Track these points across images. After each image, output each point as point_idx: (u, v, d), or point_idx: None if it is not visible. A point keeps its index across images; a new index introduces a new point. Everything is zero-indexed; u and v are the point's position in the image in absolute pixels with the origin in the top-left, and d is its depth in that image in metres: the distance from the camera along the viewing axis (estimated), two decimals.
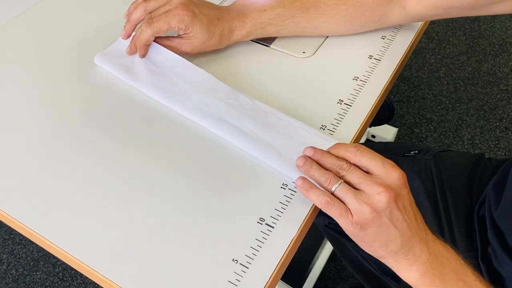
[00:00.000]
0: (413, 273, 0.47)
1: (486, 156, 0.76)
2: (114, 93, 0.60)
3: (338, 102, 0.60)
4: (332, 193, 0.47)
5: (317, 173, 0.48)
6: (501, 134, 1.56)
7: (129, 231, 0.48)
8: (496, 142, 1.53)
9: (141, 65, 0.61)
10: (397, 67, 0.65)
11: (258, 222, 0.49)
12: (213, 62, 0.65)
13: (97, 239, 0.47)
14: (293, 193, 0.51)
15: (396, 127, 1.55)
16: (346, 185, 0.47)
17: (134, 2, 0.61)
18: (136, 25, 0.61)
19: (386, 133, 1.51)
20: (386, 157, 0.79)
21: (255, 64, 0.66)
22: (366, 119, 0.59)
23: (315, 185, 0.48)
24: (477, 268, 0.66)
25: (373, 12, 0.63)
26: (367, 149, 0.48)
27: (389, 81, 0.63)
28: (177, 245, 0.47)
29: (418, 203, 0.76)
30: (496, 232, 0.62)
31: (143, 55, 0.61)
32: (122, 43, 0.63)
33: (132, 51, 0.61)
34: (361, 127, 0.58)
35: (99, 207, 0.50)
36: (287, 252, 0.47)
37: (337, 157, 0.49)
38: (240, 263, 0.46)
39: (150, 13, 0.59)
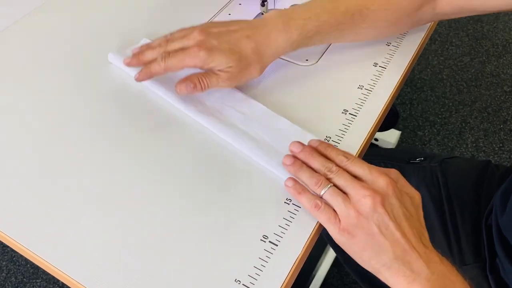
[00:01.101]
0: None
1: (493, 162, 0.75)
2: (126, 97, 0.59)
3: (343, 112, 0.59)
4: (321, 197, 0.47)
5: (306, 175, 0.48)
6: (505, 137, 1.54)
7: (128, 247, 0.46)
8: (501, 145, 1.52)
9: None
10: (403, 75, 0.63)
11: (261, 239, 0.47)
12: None
13: (91, 257, 0.46)
14: (297, 208, 0.50)
15: (399, 130, 1.53)
16: (336, 189, 0.47)
17: (157, 40, 0.57)
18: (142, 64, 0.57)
19: (389, 136, 1.49)
20: (391, 164, 0.80)
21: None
22: (372, 129, 0.57)
23: (306, 188, 0.48)
24: (485, 280, 0.65)
25: (409, 17, 0.61)
26: (356, 157, 0.49)
27: (395, 89, 0.62)
28: (177, 265, 0.45)
29: (425, 211, 0.74)
30: (502, 241, 0.60)
31: (142, 80, 0.57)
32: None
33: (140, 78, 0.56)
34: (367, 138, 0.56)
35: (96, 222, 0.48)
36: (292, 271, 0.45)
37: (326, 158, 0.49)
38: (243, 284, 0.44)
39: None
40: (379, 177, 0.46)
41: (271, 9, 0.71)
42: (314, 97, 0.60)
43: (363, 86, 0.62)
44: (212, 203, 0.50)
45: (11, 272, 1.28)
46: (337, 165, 0.48)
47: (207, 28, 0.55)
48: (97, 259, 0.46)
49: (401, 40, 0.67)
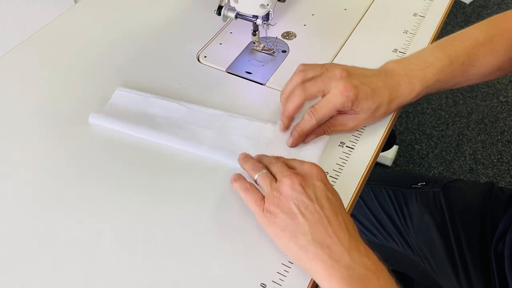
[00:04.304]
0: (330, 280, 0.41)
1: (492, 174, 0.73)
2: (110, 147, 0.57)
3: (339, 145, 0.57)
4: (256, 182, 0.49)
5: (249, 164, 0.51)
6: (503, 148, 1.52)
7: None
8: (499, 156, 1.50)
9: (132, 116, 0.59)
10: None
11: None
12: (207, 100, 0.61)
13: None
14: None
15: (396, 144, 1.51)
16: (268, 173, 0.48)
17: (289, 83, 0.56)
18: (293, 116, 0.56)
19: (387, 151, 1.47)
20: (392, 189, 0.77)
21: (250, 102, 0.62)
22: (366, 170, 0.55)
23: (242, 177, 0.50)
24: None
25: None
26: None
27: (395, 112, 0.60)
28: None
29: (429, 239, 0.72)
30: None
31: (296, 144, 0.56)
32: (116, 98, 0.61)
33: (294, 143, 0.56)
34: (363, 178, 0.54)
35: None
36: None
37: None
38: None
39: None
40: (306, 163, 0.48)
41: (262, 38, 0.69)
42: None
43: None
44: (210, 252, 0.47)
45: None
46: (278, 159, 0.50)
47: (346, 68, 0.55)
48: None
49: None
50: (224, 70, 0.67)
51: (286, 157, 0.52)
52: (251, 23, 0.65)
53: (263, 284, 0.45)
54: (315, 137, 0.56)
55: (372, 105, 0.54)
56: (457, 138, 1.56)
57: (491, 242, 0.67)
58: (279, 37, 0.71)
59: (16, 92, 0.64)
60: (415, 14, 0.74)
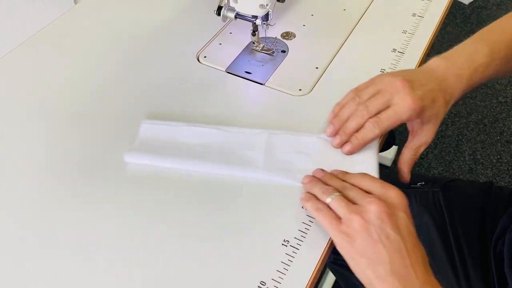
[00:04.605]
0: None
1: (491, 174, 0.73)
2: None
3: None
4: (328, 205, 0.48)
5: (317, 187, 0.50)
6: (502, 148, 1.52)
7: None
8: (498, 156, 1.50)
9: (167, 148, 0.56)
10: None
11: (258, 287, 0.45)
12: (206, 100, 0.62)
13: None
14: (295, 250, 0.48)
15: (395, 144, 1.51)
16: (342, 197, 0.47)
17: (347, 96, 0.56)
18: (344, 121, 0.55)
19: (386, 151, 1.47)
20: None
21: (249, 103, 0.62)
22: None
23: (314, 197, 0.49)
24: None
25: None
26: (369, 175, 0.50)
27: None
28: None
29: (428, 239, 0.72)
30: None
31: (354, 152, 0.54)
32: (145, 132, 0.57)
33: (352, 151, 0.54)
34: None
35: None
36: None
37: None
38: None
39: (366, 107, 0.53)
40: (390, 188, 0.46)
41: (262, 38, 0.69)
42: (307, 128, 0.58)
43: None
44: (212, 251, 0.48)
45: None
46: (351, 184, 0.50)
47: (404, 78, 0.53)
48: None
49: (395, 66, 0.66)
50: (224, 70, 0.67)
51: (338, 169, 0.52)
52: (250, 23, 0.65)
53: (263, 282, 0.45)
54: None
55: (432, 111, 0.53)
56: (456, 138, 1.56)
57: (490, 241, 0.67)
58: (279, 37, 0.71)
59: (16, 93, 0.64)
60: (414, 14, 0.74)
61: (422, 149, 0.57)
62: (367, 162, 0.54)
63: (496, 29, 0.59)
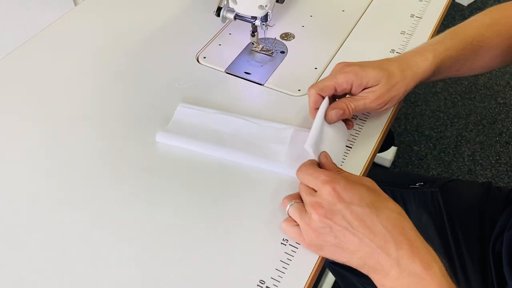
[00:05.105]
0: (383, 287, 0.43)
1: (490, 175, 0.73)
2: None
3: None
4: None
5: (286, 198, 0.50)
6: (501, 149, 1.53)
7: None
8: (497, 157, 1.51)
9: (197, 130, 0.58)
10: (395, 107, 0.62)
11: (258, 285, 0.45)
12: (205, 101, 0.62)
13: None
14: (294, 249, 0.48)
15: (394, 145, 1.52)
16: (296, 205, 0.48)
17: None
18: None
19: (386, 152, 1.47)
20: (390, 190, 0.78)
21: (249, 104, 0.63)
22: (370, 156, 0.56)
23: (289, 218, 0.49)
24: None
25: None
26: (302, 169, 0.49)
27: (392, 114, 0.60)
28: None
29: (427, 239, 0.72)
30: None
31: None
32: (179, 118, 0.59)
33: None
34: (361, 173, 0.55)
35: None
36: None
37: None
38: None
39: None
40: (322, 188, 0.45)
41: (261, 39, 0.70)
42: (307, 128, 0.59)
43: (357, 116, 0.60)
44: (210, 254, 0.48)
45: None
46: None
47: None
48: None
49: None
50: (223, 70, 0.67)
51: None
52: (250, 24, 0.66)
53: (262, 281, 0.45)
54: (340, 110, 0.54)
55: (381, 72, 0.55)
56: (455, 139, 1.56)
57: (489, 241, 0.67)
58: (278, 38, 0.72)
59: (16, 94, 0.64)
60: (412, 15, 0.75)
61: (357, 103, 0.55)
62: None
63: (466, 22, 0.62)
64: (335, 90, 0.55)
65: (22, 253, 0.48)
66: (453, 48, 0.58)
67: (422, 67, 0.57)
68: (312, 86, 0.56)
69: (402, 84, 0.56)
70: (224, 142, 0.56)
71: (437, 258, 0.43)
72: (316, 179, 0.46)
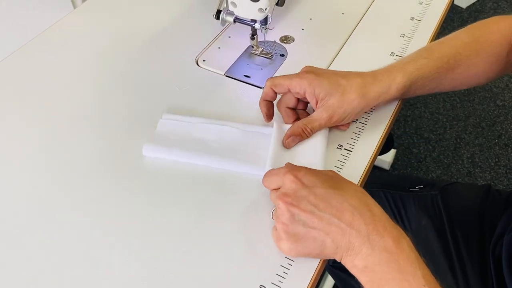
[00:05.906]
0: (356, 268, 0.43)
1: (489, 177, 0.73)
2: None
3: (337, 148, 0.57)
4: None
5: None
6: (500, 151, 1.53)
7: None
8: (496, 159, 1.51)
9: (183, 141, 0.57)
10: (397, 107, 0.62)
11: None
12: (205, 104, 0.62)
13: None
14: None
15: (394, 148, 1.52)
16: (274, 210, 0.48)
17: None
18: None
19: (385, 155, 1.47)
20: (390, 193, 0.78)
21: (248, 107, 0.62)
22: (364, 173, 0.55)
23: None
24: None
25: (499, 62, 0.61)
26: (265, 176, 0.50)
27: (393, 115, 0.60)
28: None
29: (427, 242, 0.72)
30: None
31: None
32: (162, 129, 0.58)
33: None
34: (361, 180, 0.55)
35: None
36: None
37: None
38: None
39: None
40: (284, 177, 0.47)
41: (261, 42, 0.70)
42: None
43: (357, 120, 0.60)
44: (212, 259, 0.48)
45: None
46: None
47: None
48: None
49: None
50: (223, 73, 0.67)
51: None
52: (249, 27, 0.66)
53: (262, 285, 0.45)
54: (297, 137, 0.55)
55: (335, 86, 0.54)
56: (454, 141, 1.56)
57: (489, 244, 0.67)
58: (277, 41, 0.72)
59: (16, 96, 0.64)
60: (412, 18, 0.75)
61: (313, 125, 0.56)
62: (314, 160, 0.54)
63: (444, 39, 0.61)
64: (289, 90, 0.56)
65: (22, 253, 0.48)
66: (425, 68, 0.57)
67: (387, 86, 0.56)
68: (270, 78, 0.57)
69: (360, 101, 0.55)
70: (211, 151, 0.56)
71: (403, 233, 0.44)
72: (278, 175, 0.48)
